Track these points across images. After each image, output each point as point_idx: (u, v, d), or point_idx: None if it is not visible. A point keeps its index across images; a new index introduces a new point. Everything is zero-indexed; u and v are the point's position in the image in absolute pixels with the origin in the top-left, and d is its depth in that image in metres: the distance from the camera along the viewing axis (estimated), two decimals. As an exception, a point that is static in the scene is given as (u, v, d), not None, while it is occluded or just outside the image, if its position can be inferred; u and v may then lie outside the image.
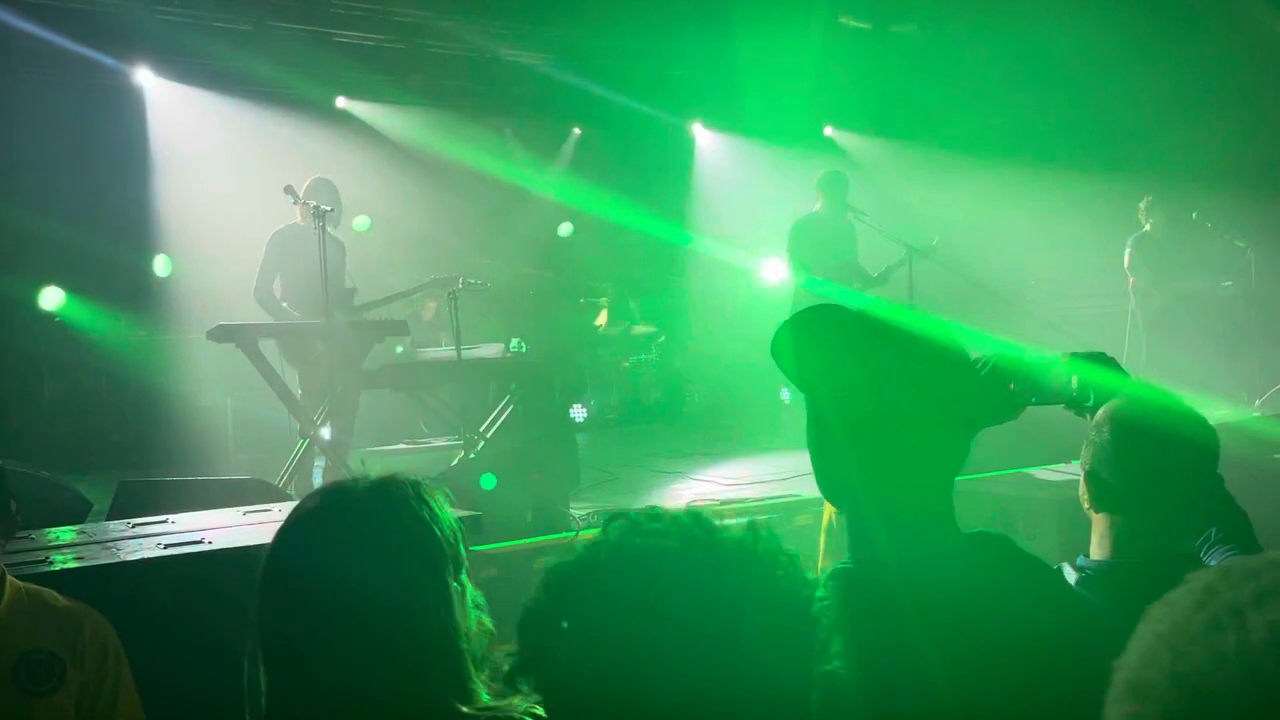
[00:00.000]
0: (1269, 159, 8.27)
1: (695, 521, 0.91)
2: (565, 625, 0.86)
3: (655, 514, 0.91)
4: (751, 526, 0.92)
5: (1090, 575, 1.72)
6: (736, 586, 0.87)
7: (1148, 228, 7.74)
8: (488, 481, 6.10)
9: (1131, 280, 7.69)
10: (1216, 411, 4.73)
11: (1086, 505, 1.80)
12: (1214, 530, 1.86)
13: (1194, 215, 7.50)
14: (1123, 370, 1.77)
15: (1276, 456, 4.28)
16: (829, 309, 1.41)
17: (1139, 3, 8.83)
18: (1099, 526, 1.78)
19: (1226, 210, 7.46)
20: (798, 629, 0.89)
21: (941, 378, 1.30)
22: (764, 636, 0.85)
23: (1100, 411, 1.77)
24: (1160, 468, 1.71)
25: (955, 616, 1.21)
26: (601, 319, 10.17)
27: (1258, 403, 6.76)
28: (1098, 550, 1.77)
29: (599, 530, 0.92)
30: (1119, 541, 1.74)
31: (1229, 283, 7.65)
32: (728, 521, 0.95)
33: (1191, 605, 0.55)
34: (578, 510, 4.90)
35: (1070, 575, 1.72)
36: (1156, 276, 7.62)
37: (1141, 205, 7.78)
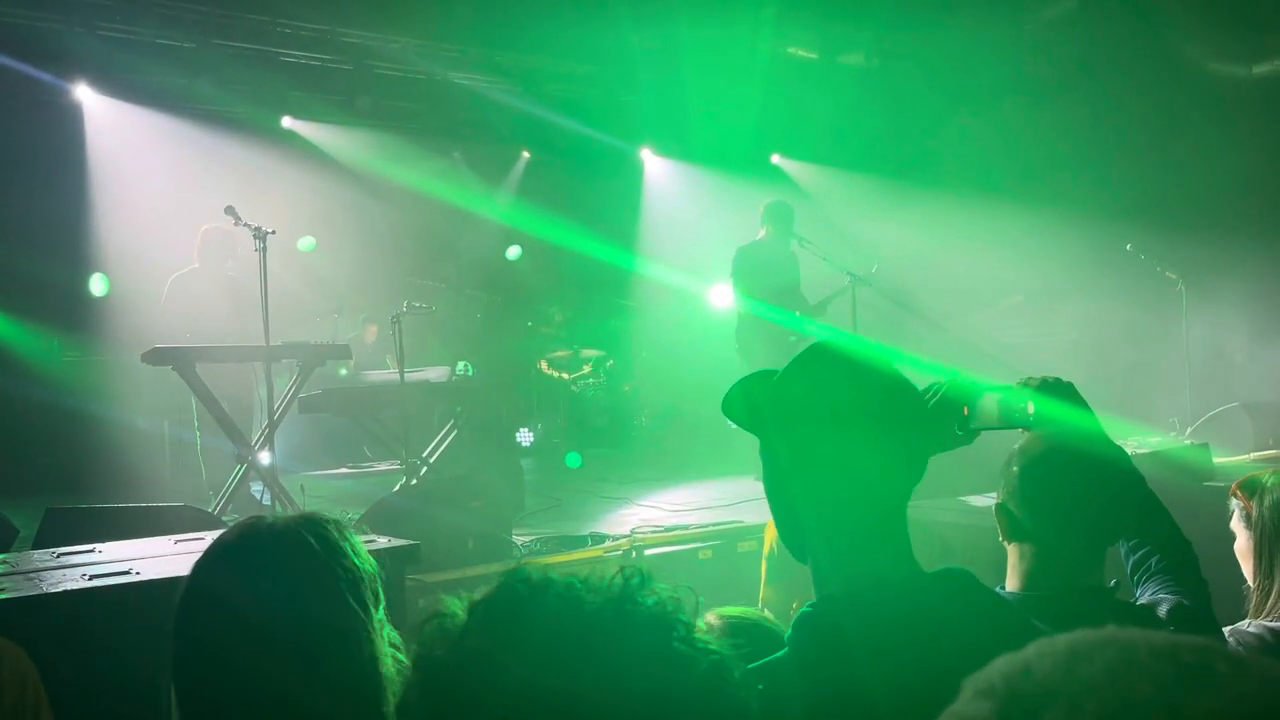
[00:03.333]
0: (1201, 194, 8.52)
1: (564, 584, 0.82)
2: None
3: (534, 579, 0.82)
4: (623, 574, 0.83)
5: None
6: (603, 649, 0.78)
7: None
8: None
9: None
10: (1148, 440, 4.84)
11: (1001, 536, 1.84)
12: (1155, 560, 1.89)
13: (1128, 246, 7.69)
14: (1079, 398, 1.79)
15: (1206, 484, 4.38)
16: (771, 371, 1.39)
17: (1077, 39, 9.09)
18: (1011, 558, 1.82)
19: (1158, 243, 7.67)
20: (666, 673, 0.79)
21: (889, 406, 1.31)
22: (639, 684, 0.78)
23: (1015, 445, 1.81)
24: (1063, 504, 1.75)
25: (923, 659, 1.20)
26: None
27: (1188, 431, 6.92)
28: (1011, 582, 1.81)
29: (479, 605, 0.83)
30: (1029, 573, 1.78)
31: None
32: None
33: None
34: (520, 538, 4.85)
35: None
36: None
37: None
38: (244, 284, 6.29)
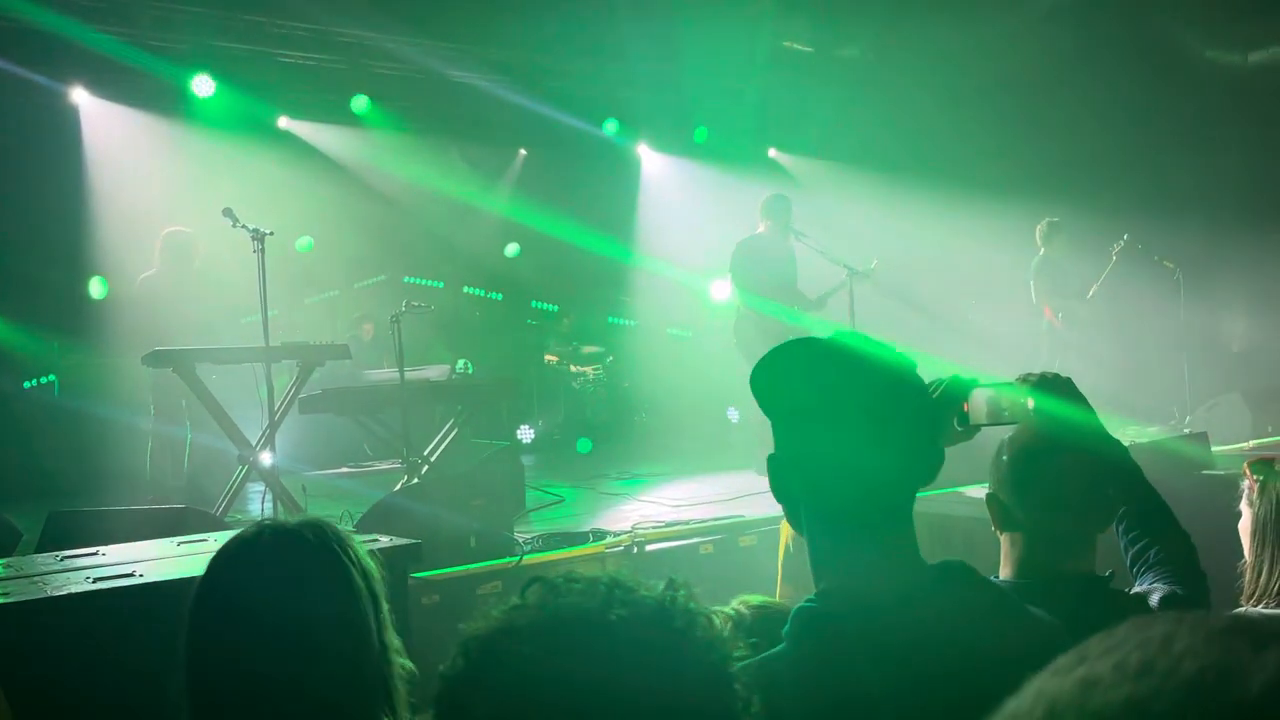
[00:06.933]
0: (1198, 183, 8.53)
1: (614, 584, 0.89)
2: (486, 692, 0.84)
3: (573, 577, 0.90)
4: (670, 586, 0.91)
5: None
6: (656, 649, 0.86)
7: (1043, 251, 7.94)
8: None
9: (1048, 310, 7.90)
10: (1146, 430, 4.86)
11: (993, 526, 1.86)
12: (1153, 551, 1.90)
13: (1125, 237, 7.70)
14: (1077, 393, 1.81)
15: (1204, 473, 4.40)
16: (798, 342, 1.41)
17: (1073, 31, 9.09)
18: (1004, 546, 1.85)
19: (1155, 233, 7.67)
20: (716, 691, 0.87)
21: (892, 401, 1.32)
22: (683, 699, 0.85)
23: (1004, 435, 1.83)
24: (1047, 490, 1.78)
25: (923, 653, 1.21)
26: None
27: (1188, 420, 6.94)
28: (1004, 570, 1.83)
29: (517, 595, 0.90)
30: (1020, 562, 1.81)
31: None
32: (646, 581, 0.92)
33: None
34: (522, 535, 4.87)
35: None
36: (1064, 299, 7.87)
37: (1040, 227, 7.95)
38: (208, 286, 6.34)
